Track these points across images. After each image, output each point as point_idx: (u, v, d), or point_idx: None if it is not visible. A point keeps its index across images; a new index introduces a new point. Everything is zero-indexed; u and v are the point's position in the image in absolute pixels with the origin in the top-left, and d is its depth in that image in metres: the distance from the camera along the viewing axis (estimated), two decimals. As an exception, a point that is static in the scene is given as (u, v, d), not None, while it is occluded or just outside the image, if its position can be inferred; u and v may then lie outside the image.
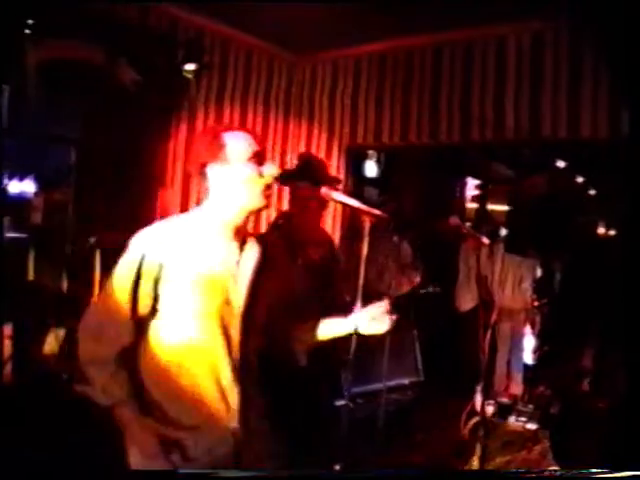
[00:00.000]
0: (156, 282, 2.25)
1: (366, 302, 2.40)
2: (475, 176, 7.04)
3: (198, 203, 2.42)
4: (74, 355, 2.30)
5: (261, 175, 2.30)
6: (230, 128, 2.42)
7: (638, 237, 4.12)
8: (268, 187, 2.32)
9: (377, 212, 2.26)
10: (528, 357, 4.81)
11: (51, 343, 3.87)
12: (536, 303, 4.90)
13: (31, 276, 4.36)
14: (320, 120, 5.73)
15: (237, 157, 2.29)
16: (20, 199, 4.88)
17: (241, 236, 2.37)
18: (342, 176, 5.53)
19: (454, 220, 3.88)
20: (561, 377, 4.80)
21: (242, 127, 2.48)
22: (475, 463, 3.65)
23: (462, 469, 3.76)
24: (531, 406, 4.42)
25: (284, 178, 3.53)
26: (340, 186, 2.64)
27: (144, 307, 2.27)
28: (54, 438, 3.29)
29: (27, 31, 3.84)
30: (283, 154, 5.62)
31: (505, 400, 4.55)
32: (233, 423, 2.29)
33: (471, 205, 7.03)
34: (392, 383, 4.29)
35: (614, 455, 3.54)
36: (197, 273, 2.26)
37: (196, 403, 2.28)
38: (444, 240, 5.13)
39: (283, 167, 5.34)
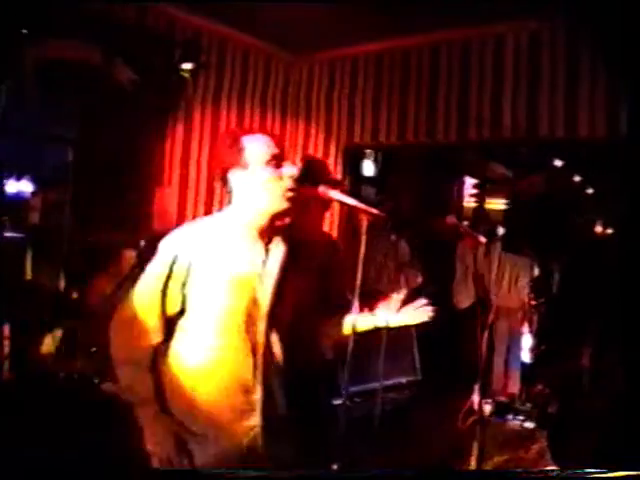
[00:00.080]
0: (185, 283, 2.31)
1: (364, 301, 2.41)
2: (472, 175, 7.04)
3: (212, 205, 2.44)
4: (106, 353, 2.36)
5: (280, 177, 2.33)
6: (249, 131, 2.43)
7: (635, 236, 4.13)
8: (289, 189, 2.33)
9: (374, 211, 2.27)
10: (526, 356, 4.81)
11: (48, 343, 3.87)
12: (533, 302, 4.91)
13: (29, 276, 4.35)
14: (317, 120, 5.72)
15: (255, 161, 2.32)
16: (17, 199, 4.87)
17: (266, 236, 2.40)
18: (339, 175, 5.53)
19: (451, 219, 3.88)
20: (559, 376, 4.80)
21: (261, 129, 2.51)
22: (473, 462, 3.65)
23: (459, 468, 3.76)
24: (529, 405, 4.43)
25: None
26: (340, 187, 2.65)
27: (173, 307, 2.33)
28: (51, 437, 3.29)
29: (24, 31, 3.84)
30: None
31: (503, 399, 4.56)
32: (255, 422, 2.34)
33: (468, 204, 7.03)
34: (390, 382, 4.30)
35: (612, 454, 3.54)
36: (224, 274, 2.31)
37: (219, 402, 2.33)
38: (441, 239, 5.13)
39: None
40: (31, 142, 4.82)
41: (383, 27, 4.87)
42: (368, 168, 6.14)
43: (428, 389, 4.60)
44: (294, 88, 5.77)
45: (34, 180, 5.08)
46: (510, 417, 4.33)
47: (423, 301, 2.47)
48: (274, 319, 2.37)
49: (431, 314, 2.48)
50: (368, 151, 5.99)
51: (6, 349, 3.71)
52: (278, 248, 2.41)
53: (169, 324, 2.35)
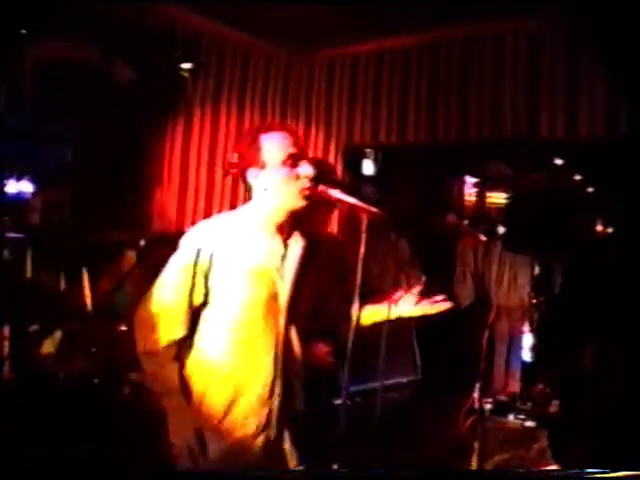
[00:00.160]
0: (206, 276, 2.36)
1: (365, 299, 2.43)
2: (472, 174, 7.04)
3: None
4: (132, 345, 2.41)
5: (297, 177, 2.36)
6: (269, 129, 2.46)
7: (636, 235, 4.12)
8: (304, 189, 2.36)
9: (374, 209, 2.27)
10: (526, 355, 4.80)
11: (48, 343, 3.86)
12: (534, 301, 4.90)
13: (28, 276, 4.35)
14: (317, 119, 5.72)
15: (272, 161, 2.37)
16: (17, 199, 4.87)
17: (285, 232, 2.45)
18: (339, 175, 5.52)
19: (452, 218, 3.88)
20: (560, 375, 4.79)
21: (281, 128, 2.52)
22: (473, 461, 3.65)
23: (460, 467, 3.76)
24: (529, 404, 4.41)
25: None
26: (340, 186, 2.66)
27: (196, 300, 2.38)
28: (51, 438, 3.29)
29: (24, 31, 3.84)
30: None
31: (503, 398, 4.54)
32: (273, 415, 2.39)
33: (468, 203, 7.02)
34: (390, 381, 4.29)
35: (613, 454, 3.54)
36: (243, 268, 2.36)
37: (237, 395, 2.37)
38: (442, 238, 5.13)
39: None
40: (30, 142, 4.81)
41: (383, 26, 4.87)
42: (368, 167, 6.13)
43: (428, 388, 4.60)
44: (294, 87, 5.76)
45: (34, 180, 5.08)
46: (511, 416, 4.32)
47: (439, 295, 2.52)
48: (293, 313, 2.42)
49: (446, 305, 2.52)
50: (368, 150, 5.99)
51: (6, 350, 3.70)
52: (297, 243, 2.47)
53: (192, 317, 2.40)
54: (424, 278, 2.64)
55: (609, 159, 4.70)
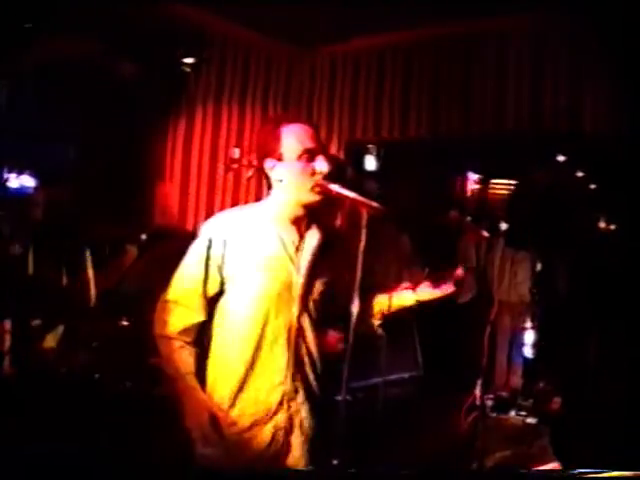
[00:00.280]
0: (221, 267, 2.41)
1: (365, 295, 2.45)
2: (475, 170, 7.03)
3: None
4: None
5: (312, 172, 2.38)
6: (289, 121, 2.48)
7: (639, 231, 4.11)
8: (318, 184, 2.38)
9: (375, 204, 2.27)
10: (528, 351, 4.79)
11: (50, 338, 3.87)
12: (536, 297, 4.89)
13: (30, 270, 4.35)
14: (319, 114, 5.71)
15: (289, 153, 2.39)
16: (20, 194, 4.87)
17: (300, 224, 2.47)
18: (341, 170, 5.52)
19: (453, 214, 3.87)
20: (561, 371, 4.78)
21: (302, 120, 2.53)
22: (474, 458, 3.64)
23: (461, 464, 3.76)
24: (531, 400, 4.41)
25: None
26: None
27: (211, 290, 2.42)
28: (52, 433, 3.29)
29: (26, 26, 3.84)
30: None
31: (505, 394, 4.54)
32: (284, 403, 2.42)
33: (471, 199, 7.01)
34: (392, 377, 4.28)
35: (615, 451, 3.53)
36: (258, 259, 2.40)
37: (249, 382, 2.41)
38: (443, 234, 5.12)
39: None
40: (32, 139, 4.81)
41: (385, 22, 4.86)
42: (370, 163, 6.12)
43: (430, 385, 4.59)
44: (296, 83, 5.76)
45: (36, 176, 5.08)
46: (512, 413, 4.32)
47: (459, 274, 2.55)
48: (306, 303, 2.45)
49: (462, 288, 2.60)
50: (370, 146, 5.98)
51: (7, 344, 3.71)
52: (312, 236, 2.49)
53: (209, 305, 2.44)
54: (427, 271, 2.64)
55: (612, 155, 4.69)
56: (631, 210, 4.44)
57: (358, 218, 2.29)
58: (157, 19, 4.56)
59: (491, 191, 5.31)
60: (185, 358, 2.41)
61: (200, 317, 2.44)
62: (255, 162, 2.51)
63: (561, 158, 5.19)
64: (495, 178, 5.30)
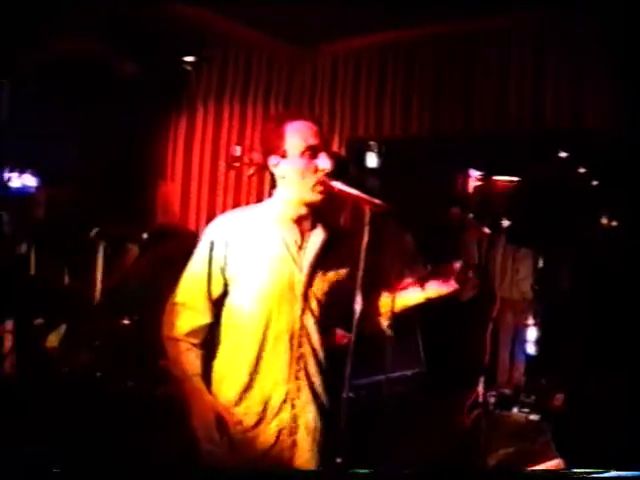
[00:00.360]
0: (224, 268, 2.42)
1: (370, 293, 2.48)
2: (477, 167, 7.03)
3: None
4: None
5: (315, 170, 2.37)
6: (293, 117, 2.47)
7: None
8: (320, 182, 2.38)
9: (377, 201, 2.27)
10: (531, 348, 4.79)
11: (52, 337, 3.87)
12: (538, 294, 4.88)
13: (32, 270, 4.35)
14: (321, 112, 5.71)
15: (292, 150, 2.39)
16: (21, 194, 4.87)
17: (303, 223, 2.47)
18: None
19: (455, 211, 3.86)
20: (564, 368, 4.78)
21: (306, 117, 2.51)
22: (477, 455, 3.64)
23: (464, 461, 3.75)
24: (533, 397, 4.40)
25: None
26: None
27: (215, 291, 2.44)
28: (55, 433, 3.29)
29: (28, 27, 3.84)
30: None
31: (507, 391, 4.53)
32: (288, 401, 2.43)
33: (472, 196, 7.00)
34: (395, 374, 4.28)
35: (617, 447, 3.53)
36: (261, 259, 2.41)
37: (253, 381, 2.42)
38: (445, 231, 5.12)
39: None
40: (33, 137, 4.81)
41: (387, 19, 4.86)
42: (372, 160, 6.13)
43: (433, 382, 4.59)
44: (298, 82, 5.76)
45: (37, 176, 5.08)
46: (515, 409, 4.31)
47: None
48: (310, 302, 2.45)
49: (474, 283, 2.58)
50: (372, 143, 5.99)
51: (10, 343, 3.71)
52: (315, 234, 2.49)
53: (215, 306, 2.46)
54: (429, 268, 2.64)
55: (614, 152, 4.69)
56: (633, 207, 4.44)
57: (361, 215, 2.29)
58: (158, 18, 4.56)
59: (493, 188, 5.30)
60: (192, 360, 2.42)
61: (206, 319, 2.45)
62: (258, 159, 2.51)
63: (563, 155, 5.19)
64: (497, 175, 5.30)
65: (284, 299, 2.42)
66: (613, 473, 1.89)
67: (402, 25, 5.01)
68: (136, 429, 3.32)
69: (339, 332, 3.12)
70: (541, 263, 4.92)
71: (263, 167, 2.51)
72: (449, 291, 2.53)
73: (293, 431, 2.43)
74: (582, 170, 5.53)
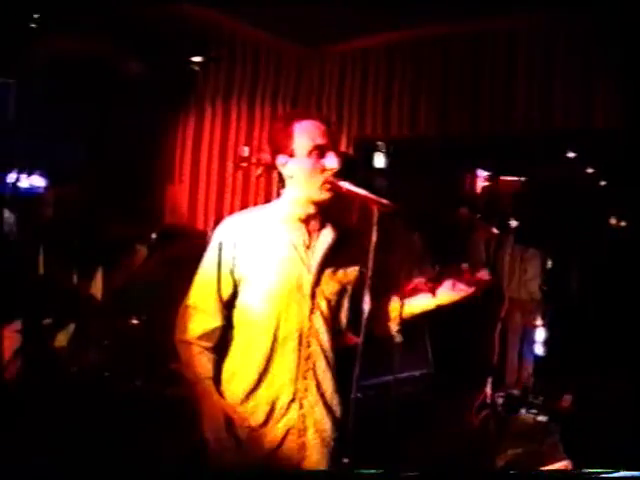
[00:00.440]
0: (233, 270, 2.41)
1: (380, 296, 2.47)
2: (485, 167, 7.02)
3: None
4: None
5: (323, 169, 2.36)
6: (302, 117, 2.45)
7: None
8: (327, 181, 2.36)
9: (385, 201, 2.26)
10: (539, 349, 4.78)
11: (61, 337, 3.88)
12: (547, 294, 4.88)
13: (41, 270, 4.37)
14: (329, 112, 5.71)
15: (300, 150, 2.37)
16: (30, 194, 4.88)
17: (311, 223, 2.45)
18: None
19: (464, 211, 3.86)
20: (572, 369, 4.77)
21: (315, 116, 2.47)
22: (486, 455, 3.63)
23: (472, 462, 3.75)
24: (542, 398, 4.40)
25: None
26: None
27: (225, 293, 2.43)
28: (62, 434, 3.30)
29: (34, 25, 3.84)
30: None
31: (516, 392, 4.53)
32: (296, 401, 2.42)
33: (481, 196, 7.00)
34: (403, 375, 4.28)
35: (625, 448, 3.52)
36: (269, 260, 2.40)
37: (262, 381, 2.41)
38: (454, 231, 5.12)
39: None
40: (42, 138, 4.83)
41: (394, 20, 4.85)
42: (379, 160, 6.12)
43: (441, 382, 4.58)
44: (305, 82, 5.76)
45: (46, 176, 5.09)
46: (523, 410, 4.30)
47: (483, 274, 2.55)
48: (319, 303, 2.44)
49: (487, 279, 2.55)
50: (379, 143, 5.98)
51: (18, 343, 3.72)
52: (323, 234, 2.47)
53: (226, 308, 2.45)
54: (438, 268, 2.62)
55: (623, 152, 4.68)
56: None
57: (368, 215, 2.28)
58: (166, 19, 4.56)
59: (501, 188, 5.30)
60: (204, 363, 2.42)
61: (217, 322, 2.44)
62: (266, 160, 2.50)
63: (571, 155, 5.19)
64: (505, 175, 5.30)
65: (292, 299, 2.41)
66: (622, 473, 1.88)
67: (409, 25, 5.00)
68: (144, 429, 3.33)
69: (350, 334, 3.12)
70: (549, 263, 4.91)
71: (271, 167, 2.51)
72: (460, 297, 2.51)
73: (302, 433, 2.42)
74: (590, 170, 5.52)
